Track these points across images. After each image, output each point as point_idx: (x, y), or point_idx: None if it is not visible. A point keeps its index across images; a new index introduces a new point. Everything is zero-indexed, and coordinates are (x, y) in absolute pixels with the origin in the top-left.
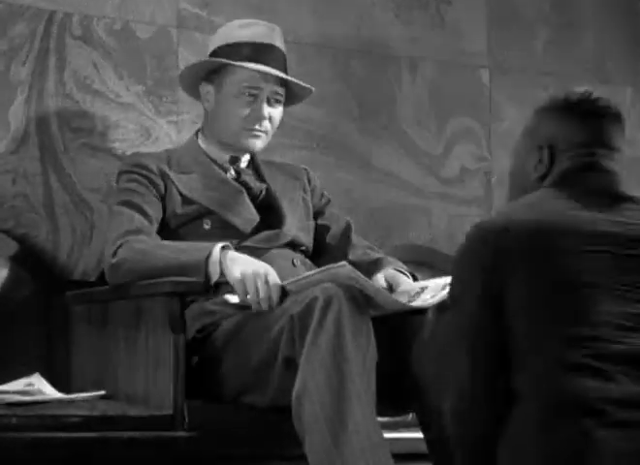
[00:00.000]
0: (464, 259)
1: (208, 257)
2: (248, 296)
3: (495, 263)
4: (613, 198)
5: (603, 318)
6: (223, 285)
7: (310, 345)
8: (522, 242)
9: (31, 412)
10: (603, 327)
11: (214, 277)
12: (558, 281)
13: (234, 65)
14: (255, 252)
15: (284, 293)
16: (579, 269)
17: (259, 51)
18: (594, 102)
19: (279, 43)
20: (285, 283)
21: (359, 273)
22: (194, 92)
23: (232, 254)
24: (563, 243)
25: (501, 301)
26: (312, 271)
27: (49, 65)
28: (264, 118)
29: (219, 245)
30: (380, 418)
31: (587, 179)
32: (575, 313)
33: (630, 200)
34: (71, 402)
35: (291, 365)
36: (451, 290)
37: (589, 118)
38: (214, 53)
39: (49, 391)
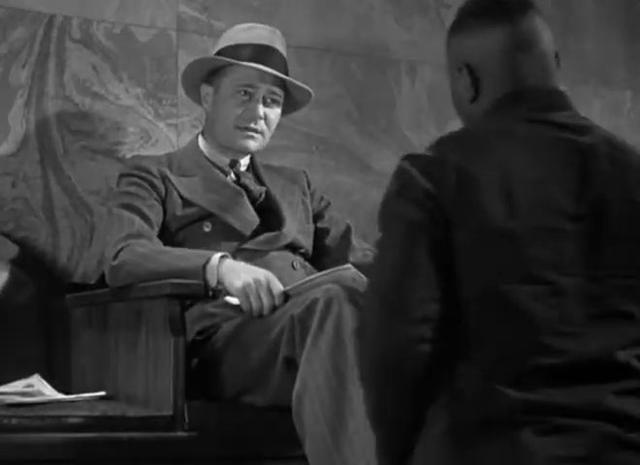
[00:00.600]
0: (391, 195)
1: (205, 264)
2: (253, 306)
3: (432, 196)
4: (549, 122)
5: (542, 320)
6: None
7: (311, 346)
8: (453, 189)
9: (31, 413)
10: (541, 335)
11: (212, 284)
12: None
13: (231, 64)
14: (255, 254)
15: (287, 297)
16: (520, 249)
17: (258, 52)
18: (495, 2)
19: (280, 46)
20: (288, 288)
21: (363, 276)
22: (195, 94)
23: (230, 263)
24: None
25: (448, 248)
26: (316, 274)
27: (49, 68)
28: (258, 117)
29: (218, 254)
30: None
31: (521, 107)
32: (512, 314)
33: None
34: (71, 403)
35: (291, 366)
36: (378, 242)
37: (494, 22)
38: (217, 55)
39: (49, 392)
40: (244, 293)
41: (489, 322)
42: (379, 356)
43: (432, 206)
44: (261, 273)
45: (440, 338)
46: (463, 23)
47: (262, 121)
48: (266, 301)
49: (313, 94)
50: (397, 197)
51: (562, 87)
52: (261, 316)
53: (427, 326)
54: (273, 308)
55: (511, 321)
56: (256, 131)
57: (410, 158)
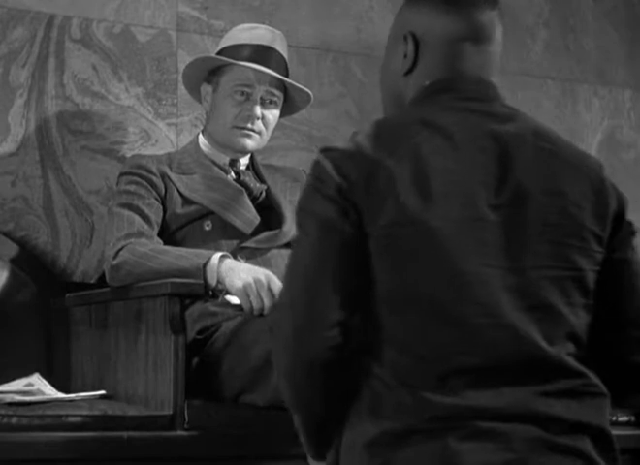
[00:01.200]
0: (307, 188)
1: (206, 263)
2: (253, 305)
3: (343, 191)
4: (480, 117)
5: (465, 316)
6: (223, 288)
7: None
8: (362, 180)
9: (31, 412)
10: (464, 332)
11: (212, 283)
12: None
13: (230, 64)
14: (255, 252)
15: None
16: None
17: (257, 53)
18: None
19: (280, 47)
20: None
21: None
22: (197, 94)
23: (230, 262)
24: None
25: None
26: None
27: (49, 68)
28: (255, 117)
29: (219, 254)
30: None
31: (447, 96)
32: (433, 311)
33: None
34: (71, 402)
35: None
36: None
37: (456, 6)
38: (217, 55)
39: (49, 391)
40: (245, 292)
41: (406, 321)
42: (291, 359)
43: (344, 202)
44: (261, 273)
45: (353, 342)
46: None
47: (259, 121)
48: (266, 301)
49: (312, 96)
50: (312, 192)
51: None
52: (261, 315)
53: (338, 331)
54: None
55: (432, 318)
56: (253, 130)
57: (325, 150)
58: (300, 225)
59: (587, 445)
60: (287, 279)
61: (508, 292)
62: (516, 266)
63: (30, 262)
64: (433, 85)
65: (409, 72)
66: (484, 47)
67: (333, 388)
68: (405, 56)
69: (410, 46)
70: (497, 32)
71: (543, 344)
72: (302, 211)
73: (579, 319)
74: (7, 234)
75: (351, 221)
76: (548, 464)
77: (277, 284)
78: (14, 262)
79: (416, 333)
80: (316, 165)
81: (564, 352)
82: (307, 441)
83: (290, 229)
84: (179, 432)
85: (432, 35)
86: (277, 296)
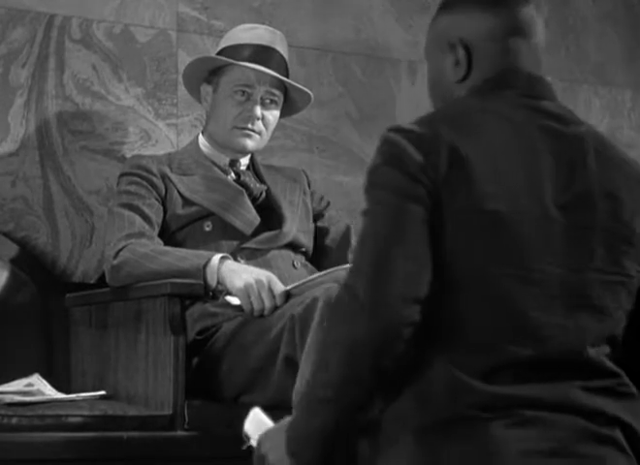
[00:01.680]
0: (381, 165)
1: (206, 264)
2: (254, 306)
3: (426, 172)
4: (538, 112)
5: (524, 309)
6: (224, 289)
7: None
8: (450, 165)
9: (31, 412)
10: (520, 325)
11: (212, 284)
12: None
13: (230, 64)
14: (255, 253)
15: (288, 297)
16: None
17: (257, 53)
18: None
19: (280, 47)
20: (289, 287)
21: None
22: (197, 94)
23: (231, 263)
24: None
25: (438, 223)
26: (317, 274)
27: (49, 68)
28: (256, 118)
29: (219, 255)
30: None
31: (509, 92)
32: (494, 300)
33: (553, 113)
34: (71, 402)
35: (291, 365)
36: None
37: (493, 5)
38: (217, 55)
39: (49, 392)
40: (246, 293)
41: (468, 307)
42: (361, 332)
43: (427, 182)
44: (262, 274)
45: (420, 322)
46: (459, 2)
47: (259, 122)
48: (267, 302)
49: (313, 96)
50: (387, 167)
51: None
52: (262, 316)
53: (416, 309)
54: (274, 308)
55: (493, 307)
56: (253, 131)
57: (401, 131)
58: (373, 198)
59: (620, 437)
60: (364, 250)
61: (565, 291)
62: (575, 267)
63: (30, 262)
64: (492, 80)
65: (465, 78)
66: (531, 41)
67: (389, 369)
68: (457, 64)
69: (461, 53)
70: (540, 25)
71: (587, 345)
72: (376, 186)
73: (620, 322)
74: (7, 235)
75: (431, 201)
76: (591, 453)
77: (278, 285)
78: (14, 262)
79: (475, 320)
80: (390, 143)
81: (603, 353)
82: (326, 449)
83: (290, 229)
84: (179, 432)
85: (479, 38)
86: (344, 278)
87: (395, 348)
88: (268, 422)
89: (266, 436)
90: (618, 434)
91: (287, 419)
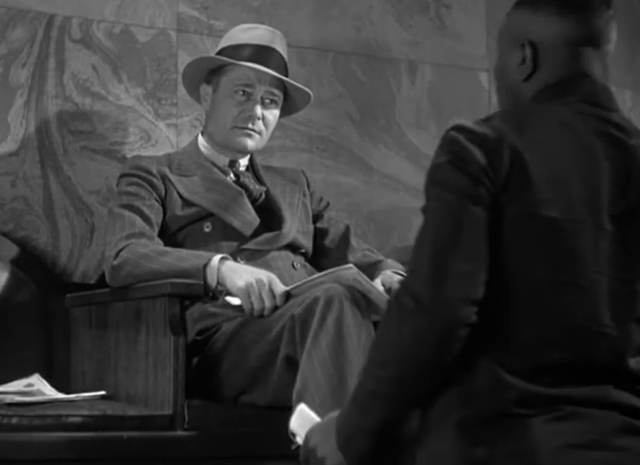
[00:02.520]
0: (443, 164)
1: (206, 264)
2: (254, 306)
3: (488, 173)
4: (603, 123)
5: (573, 316)
6: (224, 289)
7: (311, 345)
8: (514, 167)
9: (31, 412)
10: (568, 332)
11: (212, 284)
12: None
13: (230, 64)
14: (255, 254)
15: (288, 297)
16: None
17: (257, 53)
18: None
19: (280, 47)
20: (289, 288)
21: (364, 276)
22: (196, 94)
23: (231, 264)
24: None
25: (498, 223)
26: (317, 274)
27: (49, 68)
28: (256, 117)
29: (219, 255)
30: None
31: (574, 98)
32: (544, 305)
33: (618, 124)
34: (71, 402)
35: (292, 365)
36: (424, 207)
37: (572, 10)
38: (217, 55)
39: (49, 392)
40: (246, 293)
41: (517, 310)
42: (420, 331)
43: (488, 183)
44: (263, 274)
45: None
46: (538, 3)
47: (259, 121)
48: (267, 302)
49: (312, 96)
50: (449, 166)
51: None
52: (262, 316)
53: (474, 310)
54: (275, 308)
55: (540, 311)
56: (254, 130)
57: (464, 130)
58: (434, 197)
59: None
60: (423, 249)
61: (612, 301)
62: (623, 278)
63: (30, 262)
64: (559, 85)
65: (528, 78)
66: (603, 50)
67: (444, 369)
68: (523, 63)
69: (528, 54)
70: (614, 32)
71: (629, 355)
72: (437, 185)
73: None
74: (7, 235)
75: (491, 203)
76: (629, 445)
77: (279, 285)
78: (14, 262)
79: (523, 323)
80: (452, 142)
81: None
82: (376, 444)
83: (290, 230)
84: (179, 432)
85: (550, 41)
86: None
87: (452, 347)
88: (314, 418)
89: (314, 430)
90: None
91: (336, 414)
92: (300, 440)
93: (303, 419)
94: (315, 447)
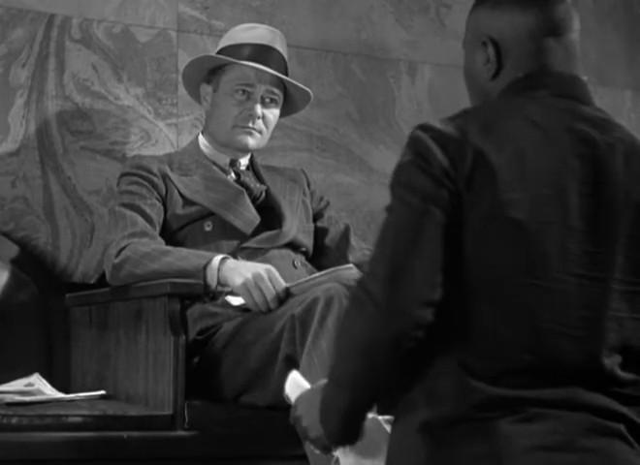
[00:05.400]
0: (406, 163)
1: (206, 264)
2: (256, 300)
3: (450, 175)
4: (571, 112)
5: (540, 319)
6: (224, 289)
7: (311, 344)
8: (478, 164)
9: (31, 412)
10: (535, 334)
11: (212, 284)
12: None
13: (230, 63)
14: (256, 253)
15: (288, 294)
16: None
17: (257, 52)
18: None
19: (280, 46)
20: (289, 285)
21: None
22: (196, 94)
23: (232, 263)
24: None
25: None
26: (317, 274)
27: (49, 68)
28: (256, 116)
29: (220, 256)
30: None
31: (542, 92)
32: (510, 308)
33: (586, 115)
34: (71, 402)
35: (292, 364)
36: (388, 207)
37: (529, 3)
38: (217, 54)
39: (49, 392)
40: (246, 288)
41: (482, 312)
42: (376, 333)
43: (449, 185)
44: (262, 268)
45: (433, 323)
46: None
47: (260, 121)
48: (268, 294)
49: (312, 95)
50: (413, 167)
51: (584, 77)
52: (269, 310)
53: (430, 311)
54: (278, 302)
55: (508, 315)
56: (254, 129)
57: (428, 129)
58: (398, 197)
59: (624, 430)
60: (382, 249)
61: (583, 301)
62: (593, 277)
63: (30, 262)
64: (524, 80)
65: (495, 76)
66: (565, 39)
67: (403, 368)
68: (488, 62)
69: (491, 52)
70: (575, 21)
71: (602, 356)
72: (400, 185)
73: (636, 332)
74: (7, 235)
75: (453, 204)
76: (596, 446)
77: (278, 278)
78: (14, 262)
79: (488, 326)
80: (417, 142)
81: (617, 362)
82: (345, 425)
83: (290, 229)
84: (179, 432)
85: (511, 36)
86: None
87: (405, 346)
88: (305, 385)
89: (302, 398)
90: (622, 428)
91: (322, 383)
92: (292, 403)
93: (294, 385)
94: (300, 416)
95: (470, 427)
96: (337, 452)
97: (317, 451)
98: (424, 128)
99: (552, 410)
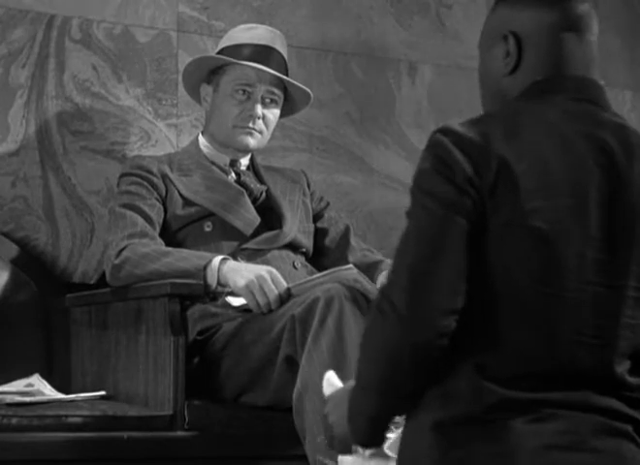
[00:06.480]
0: (428, 169)
1: (206, 265)
2: (259, 301)
3: (473, 183)
4: (592, 118)
5: (557, 327)
6: (224, 290)
7: (311, 345)
8: (502, 173)
9: (31, 412)
10: (552, 342)
11: (212, 285)
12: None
13: (230, 63)
14: (256, 253)
15: (289, 294)
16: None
17: (257, 52)
18: None
19: (280, 47)
20: (290, 285)
21: (365, 277)
22: (196, 94)
23: (232, 264)
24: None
25: (482, 231)
26: (317, 274)
27: (49, 68)
28: (256, 117)
29: (220, 256)
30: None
31: (560, 97)
32: (528, 315)
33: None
34: (71, 402)
35: (292, 365)
36: (408, 211)
37: (554, 1)
38: (217, 55)
39: (49, 392)
40: (249, 290)
41: (500, 317)
42: (400, 341)
43: (473, 193)
44: (263, 269)
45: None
46: None
47: (260, 121)
48: (270, 295)
49: (312, 95)
50: (435, 174)
51: (601, 82)
52: (270, 311)
53: (453, 319)
54: (280, 303)
55: (526, 321)
56: (254, 130)
57: (450, 134)
58: (418, 204)
59: (632, 431)
60: (404, 257)
61: (599, 310)
62: (609, 285)
63: (30, 262)
64: (543, 83)
65: (513, 71)
66: (586, 37)
67: (427, 374)
68: (507, 55)
69: (512, 45)
70: (595, 24)
71: (614, 364)
72: (422, 192)
73: None
74: (7, 235)
75: (476, 212)
76: (606, 447)
77: (280, 280)
78: (14, 262)
79: (505, 331)
80: (438, 146)
81: (626, 368)
82: (371, 427)
83: (290, 229)
84: (179, 432)
85: (533, 30)
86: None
87: (430, 355)
88: (337, 383)
89: (332, 397)
90: (630, 429)
91: (352, 383)
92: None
93: (328, 384)
94: (328, 413)
95: (484, 427)
96: (353, 457)
97: (337, 453)
98: (444, 131)
99: (563, 410)
